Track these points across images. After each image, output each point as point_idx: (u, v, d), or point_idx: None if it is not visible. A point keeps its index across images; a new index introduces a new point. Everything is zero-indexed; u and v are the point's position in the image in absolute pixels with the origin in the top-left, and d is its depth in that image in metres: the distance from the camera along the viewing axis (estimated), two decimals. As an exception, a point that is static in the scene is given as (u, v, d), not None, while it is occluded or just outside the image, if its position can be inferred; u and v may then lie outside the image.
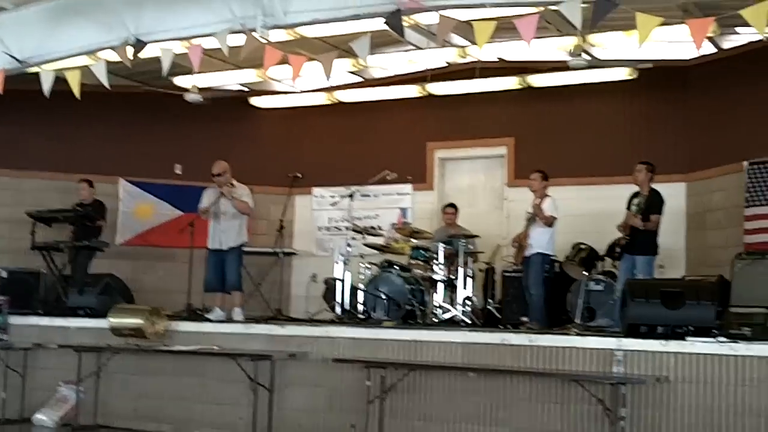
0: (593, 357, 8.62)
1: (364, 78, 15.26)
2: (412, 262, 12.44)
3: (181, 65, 11.23)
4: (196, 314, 11.97)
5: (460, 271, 12.17)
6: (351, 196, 12.56)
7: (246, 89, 15.75)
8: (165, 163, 15.34)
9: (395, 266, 12.28)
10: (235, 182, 11.92)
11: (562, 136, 14.10)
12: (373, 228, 13.73)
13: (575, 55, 12.33)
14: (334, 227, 15.57)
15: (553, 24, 11.52)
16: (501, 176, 14.79)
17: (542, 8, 9.11)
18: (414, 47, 12.95)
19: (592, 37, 11.89)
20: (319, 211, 15.78)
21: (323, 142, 15.80)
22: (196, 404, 10.62)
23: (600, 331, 10.40)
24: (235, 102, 15.77)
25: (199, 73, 12.19)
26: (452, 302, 12.14)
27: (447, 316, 11.84)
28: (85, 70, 10.83)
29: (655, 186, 11.30)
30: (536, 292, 11.77)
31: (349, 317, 11.75)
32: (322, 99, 15.18)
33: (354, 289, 12.11)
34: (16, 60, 11.35)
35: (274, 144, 15.87)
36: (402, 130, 15.27)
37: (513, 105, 14.38)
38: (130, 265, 14.76)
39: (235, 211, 11.82)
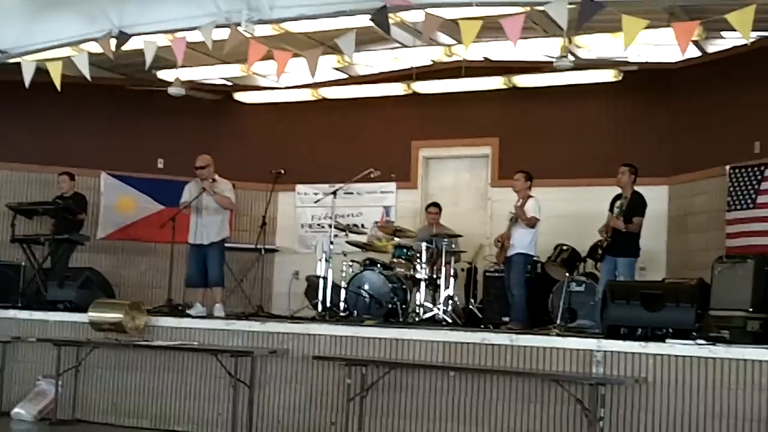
0: (573, 357, 8.63)
1: (349, 75, 15.23)
2: (395, 260, 12.43)
3: (165, 59, 11.19)
4: (176, 309, 11.91)
5: (443, 270, 12.16)
6: (334, 193, 12.54)
7: (229, 84, 15.69)
8: (147, 156, 15.28)
9: (378, 264, 12.27)
10: (217, 177, 11.88)
11: (547, 137, 14.11)
12: (356, 226, 13.76)
13: (561, 56, 12.33)
14: (317, 224, 15.54)
15: (539, 24, 11.52)
16: (485, 176, 14.80)
17: (529, 8, 9.10)
18: (400, 45, 12.93)
19: (578, 39, 11.89)
20: (302, 208, 15.75)
21: (307, 139, 15.76)
22: (176, 400, 10.59)
23: (580, 332, 10.42)
24: (220, 97, 15.71)
25: (182, 66, 12.15)
26: (434, 301, 12.15)
27: (429, 315, 11.84)
28: (67, 61, 10.77)
29: (638, 188, 11.31)
30: (518, 292, 11.78)
31: (331, 315, 11.73)
32: (307, 95, 15.14)
33: (336, 287, 12.09)
34: (-3, 50, 11.31)
35: (258, 140, 15.83)
36: (387, 128, 15.25)
37: (498, 105, 14.37)
38: (110, 259, 14.75)
39: (216, 206, 11.78)
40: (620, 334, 8.83)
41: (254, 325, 10.44)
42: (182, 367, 10.59)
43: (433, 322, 11.58)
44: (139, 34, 10.39)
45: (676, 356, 8.22)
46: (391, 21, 9.45)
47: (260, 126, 15.96)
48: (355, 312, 11.80)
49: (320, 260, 12.20)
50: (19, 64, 11.04)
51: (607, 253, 11.20)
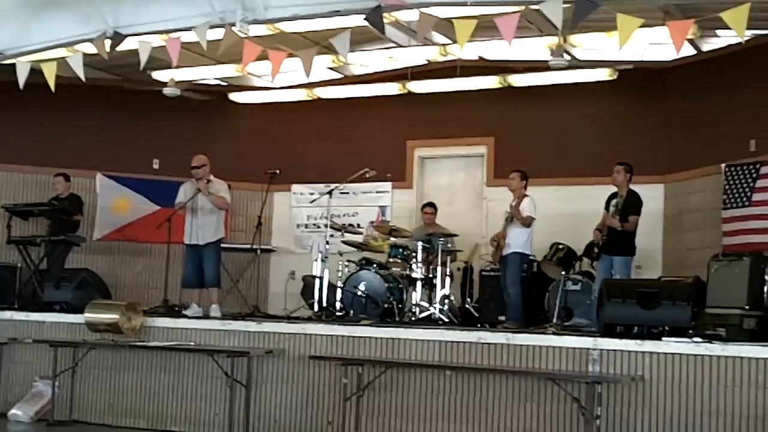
0: (570, 356, 8.64)
1: (344, 75, 15.24)
2: (391, 260, 12.43)
3: (160, 59, 11.18)
4: (173, 310, 11.91)
5: (439, 269, 12.17)
6: (330, 193, 12.53)
7: (224, 84, 15.68)
8: (143, 157, 15.27)
9: (374, 264, 12.26)
10: (212, 177, 11.87)
11: (542, 136, 14.11)
12: (351, 226, 13.77)
13: (556, 55, 12.33)
14: (312, 224, 15.54)
15: (534, 23, 11.53)
16: (480, 175, 14.80)
17: (523, 7, 9.10)
18: (395, 44, 12.94)
19: (573, 38, 11.89)
20: (298, 208, 15.75)
21: (302, 139, 15.75)
22: (173, 400, 10.59)
23: (577, 331, 10.43)
24: (214, 97, 15.69)
25: (177, 67, 12.13)
26: (430, 301, 12.15)
27: (425, 314, 11.84)
28: (62, 62, 10.76)
29: (634, 187, 11.32)
30: (514, 291, 11.78)
31: (327, 315, 11.73)
32: (302, 95, 15.14)
33: (332, 287, 12.09)
34: (-8, 51, 11.29)
35: (253, 140, 15.82)
36: (382, 127, 15.24)
37: (493, 104, 14.37)
38: (107, 260, 14.74)
39: (212, 206, 11.78)
40: (616, 332, 8.85)
41: (250, 326, 10.44)
42: (179, 367, 10.59)
43: (430, 322, 11.58)
44: (133, 35, 10.38)
45: (673, 354, 8.24)
46: (385, 20, 9.45)
47: (255, 126, 15.94)
48: (352, 312, 11.79)
49: (316, 260, 12.21)
50: (13, 65, 11.03)
51: (603, 251, 11.20)
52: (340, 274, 12.17)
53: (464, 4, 9.17)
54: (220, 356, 9.97)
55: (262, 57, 9.91)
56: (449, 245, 12.72)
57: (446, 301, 12.14)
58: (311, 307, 12.26)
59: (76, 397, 11.02)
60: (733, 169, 12.11)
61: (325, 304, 11.88)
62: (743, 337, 9.47)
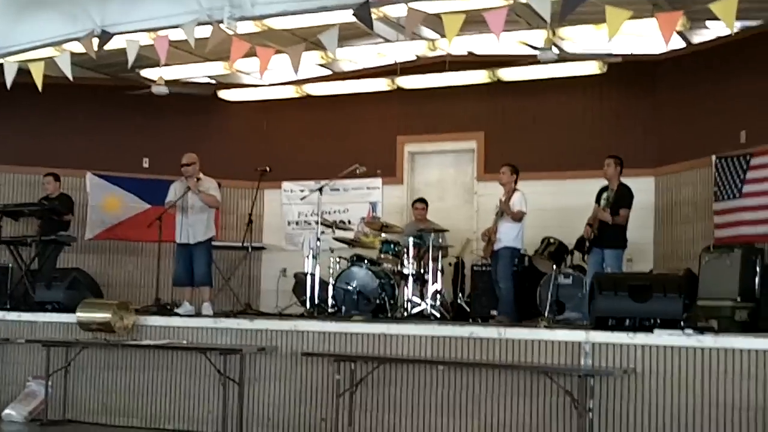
0: (562, 350, 8.64)
1: (333, 71, 15.22)
2: (382, 256, 12.43)
3: (148, 57, 11.15)
4: (165, 309, 11.90)
5: (430, 265, 12.17)
6: (320, 190, 12.53)
7: (213, 82, 15.65)
8: (132, 156, 15.25)
9: (365, 260, 12.26)
10: (202, 176, 11.85)
11: (532, 130, 14.12)
12: (342, 222, 13.77)
13: (545, 49, 12.33)
14: (303, 221, 15.53)
15: (522, 17, 11.53)
16: (471, 170, 14.80)
17: (512, 1, 9.10)
18: (383, 40, 12.92)
19: (562, 31, 11.89)
20: (289, 206, 15.74)
21: (292, 136, 15.75)
22: (166, 398, 10.57)
23: (568, 325, 10.45)
24: (203, 95, 15.66)
25: (165, 65, 12.11)
26: (422, 296, 12.16)
27: (417, 310, 11.85)
28: (50, 62, 10.73)
29: (624, 180, 11.34)
30: (505, 285, 11.79)
31: (319, 311, 11.73)
32: (291, 92, 15.10)
33: (324, 284, 12.09)
34: (-21, 52, 11.24)
35: (243, 137, 15.82)
36: (371, 123, 15.25)
37: (483, 99, 14.38)
38: (98, 259, 14.74)
39: (202, 204, 11.75)
40: (608, 325, 8.86)
41: (243, 323, 10.42)
42: (172, 365, 10.57)
43: (421, 317, 11.60)
44: (121, 33, 10.35)
45: (664, 346, 8.23)
46: (373, 16, 9.43)
47: (245, 123, 15.94)
48: (343, 308, 11.81)
49: (307, 257, 12.22)
50: (0, 65, 11.00)
51: (595, 245, 11.21)
52: (331, 270, 12.18)
53: (452, -1, 9.19)
54: (213, 354, 9.96)
55: (251, 54, 9.89)
56: (440, 241, 12.73)
57: (438, 296, 12.15)
58: (303, 304, 12.28)
59: (70, 396, 10.99)
60: (723, 161, 12.12)
61: (317, 301, 11.89)
62: (735, 329, 9.53)
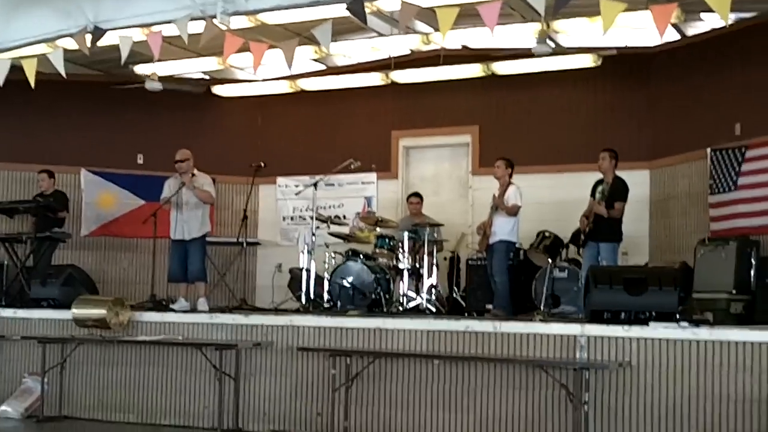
0: (557, 343, 8.65)
1: (327, 66, 15.18)
2: (377, 251, 12.40)
3: (141, 53, 11.13)
4: (160, 304, 11.91)
5: (425, 259, 12.16)
6: (315, 185, 12.50)
7: (207, 77, 15.62)
8: (126, 152, 15.21)
9: (360, 255, 12.24)
10: (196, 172, 11.84)
11: (527, 124, 14.12)
12: (337, 217, 13.72)
13: (539, 42, 12.31)
14: (298, 217, 15.51)
15: (517, 10, 11.49)
16: (465, 164, 14.79)
17: (505, -6, 9.09)
18: (377, 34, 12.89)
19: (557, 24, 11.86)
20: (284, 201, 15.72)
21: (287, 131, 15.74)
22: (162, 394, 10.58)
23: (564, 318, 10.46)
24: (196, 92, 15.62)
25: (159, 61, 12.08)
26: (417, 291, 12.14)
27: (412, 304, 11.84)
28: (43, 58, 10.70)
29: (620, 173, 11.33)
30: (500, 279, 11.78)
31: (315, 306, 11.72)
32: (285, 87, 15.06)
33: (319, 279, 12.08)
34: (-28, 49, 11.21)
35: (237, 133, 15.80)
36: (366, 118, 15.24)
37: (477, 93, 14.36)
38: (93, 255, 14.71)
39: (197, 200, 11.75)
40: (603, 318, 8.86)
41: (238, 318, 10.43)
42: (167, 361, 10.58)
43: (417, 312, 11.58)
44: (114, 29, 10.32)
45: (660, 339, 8.25)
46: (367, 10, 9.42)
47: (239, 119, 15.93)
48: (339, 303, 11.79)
49: (302, 252, 12.21)
50: (-6, 63, 10.97)
51: (590, 238, 11.20)
52: (326, 265, 12.15)
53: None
54: (209, 349, 9.97)
55: (244, 49, 9.87)
56: (435, 235, 12.72)
57: (433, 290, 12.14)
58: (298, 299, 12.26)
59: (66, 392, 10.99)
60: (718, 153, 12.12)
61: (312, 296, 11.87)
62: (730, 322, 9.54)
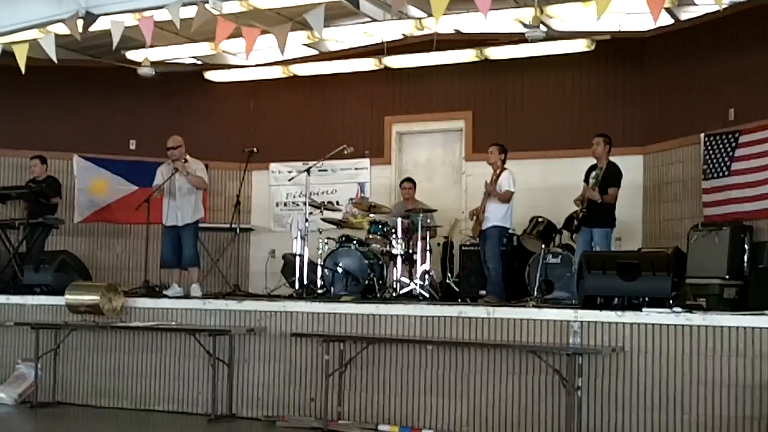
0: (550, 329, 8.67)
1: (319, 51, 15.14)
2: (370, 236, 12.38)
3: (133, 39, 11.08)
4: (153, 290, 11.90)
5: (419, 245, 12.15)
6: (308, 171, 12.48)
7: (199, 63, 15.57)
8: (119, 138, 15.15)
9: (353, 241, 12.23)
10: (189, 157, 11.83)
11: (520, 109, 14.10)
12: (330, 203, 13.74)
13: (533, 27, 12.28)
14: (291, 202, 15.49)
15: (510, -5, 11.49)
16: (459, 150, 14.76)
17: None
18: (370, 19, 12.85)
19: (550, 9, 11.85)
20: (277, 187, 15.69)
21: (280, 117, 15.70)
22: (156, 380, 10.61)
23: (557, 304, 10.46)
24: (190, 76, 15.57)
25: (151, 46, 12.04)
26: (411, 276, 12.14)
27: (405, 290, 11.82)
28: (34, 44, 10.65)
29: (613, 159, 11.31)
30: (493, 265, 11.76)
31: (308, 292, 11.72)
32: (278, 73, 15.01)
33: (312, 265, 12.07)
34: (-37, 35, 11.14)
35: (230, 119, 15.77)
36: (359, 104, 15.20)
37: (470, 78, 14.34)
38: (86, 241, 14.69)
39: (190, 186, 11.74)
40: (597, 304, 8.87)
41: (231, 304, 10.44)
42: (161, 347, 10.60)
43: (410, 297, 11.57)
44: (106, 14, 10.26)
45: (653, 325, 8.27)
46: (360, -5, 9.40)
47: (232, 105, 15.89)
48: (332, 289, 11.78)
49: (296, 238, 12.20)
50: (-15, 48, 10.92)
51: (583, 224, 11.17)
52: (320, 251, 12.14)
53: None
54: (202, 335, 9.99)
55: (236, 34, 9.82)
56: (429, 221, 12.71)
57: (427, 276, 12.12)
58: (292, 285, 12.26)
59: (59, 378, 11.02)
60: (712, 138, 12.11)
61: (305, 282, 11.86)
62: (723, 307, 9.56)
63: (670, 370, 8.15)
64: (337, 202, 14.45)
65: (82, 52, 14.02)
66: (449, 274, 13.11)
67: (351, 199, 14.45)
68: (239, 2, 10.22)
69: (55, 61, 10.52)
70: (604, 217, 11.07)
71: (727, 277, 10.58)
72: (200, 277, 12.03)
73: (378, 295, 11.67)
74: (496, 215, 11.79)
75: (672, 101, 13.02)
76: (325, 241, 12.32)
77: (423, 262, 12.17)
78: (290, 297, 11.68)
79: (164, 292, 11.70)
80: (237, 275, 13.73)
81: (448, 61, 13.84)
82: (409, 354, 9.25)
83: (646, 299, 8.63)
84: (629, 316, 8.36)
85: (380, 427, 9.25)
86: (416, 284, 11.84)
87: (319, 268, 11.96)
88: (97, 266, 14.17)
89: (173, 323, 10.53)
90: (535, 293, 11.37)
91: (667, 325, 8.21)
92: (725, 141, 11.94)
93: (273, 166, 15.67)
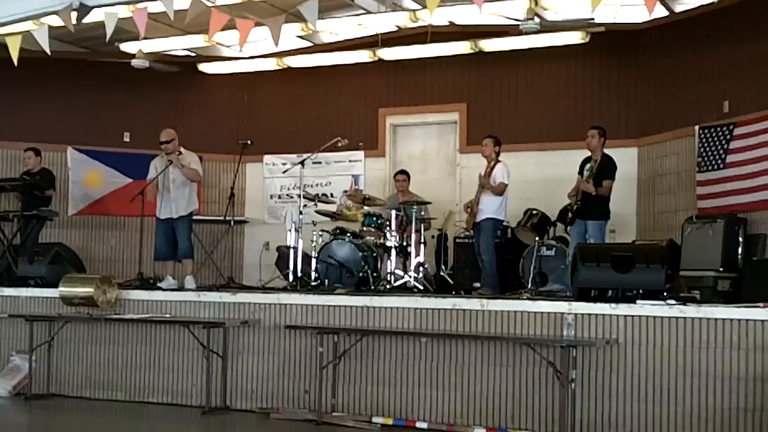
0: (545, 321, 8.67)
1: (313, 43, 15.12)
2: (365, 229, 12.37)
3: (127, 30, 11.05)
4: (147, 283, 11.90)
5: (413, 237, 12.14)
6: (302, 163, 12.46)
7: (193, 55, 15.54)
8: (113, 130, 15.15)
9: (347, 233, 12.22)
10: (182, 150, 11.81)
11: (515, 101, 14.10)
12: (325, 195, 13.72)
13: (527, 19, 12.27)
14: (285, 195, 15.49)
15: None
16: (453, 142, 14.76)
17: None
18: (364, 11, 12.84)
19: (545, 1, 11.83)
20: (271, 179, 15.68)
21: (274, 109, 15.68)
22: (150, 372, 10.60)
23: (551, 296, 10.46)
24: (184, 68, 15.54)
25: (145, 38, 12.01)
26: (405, 269, 12.12)
27: (399, 282, 11.81)
28: (27, 35, 10.62)
29: (608, 151, 11.31)
30: (487, 257, 11.76)
31: (302, 285, 11.71)
32: (272, 65, 14.99)
33: (306, 257, 12.07)
34: (-44, 27, 11.11)
35: (224, 111, 15.76)
36: (353, 96, 15.19)
37: (465, 70, 14.34)
38: (80, 234, 14.69)
39: (184, 179, 11.74)
40: (591, 296, 8.87)
41: (225, 296, 10.42)
42: (155, 339, 10.59)
43: (405, 290, 11.56)
44: (99, 6, 10.22)
45: (647, 317, 8.27)
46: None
47: (226, 97, 15.87)
48: (326, 281, 11.77)
49: (290, 230, 12.17)
50: (-22, 40, 10.89)
51: (577, 216, 11.18)
52: (314, 244, 12.13)
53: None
54: (196, 327, 9.98)
55: (230, 26, 9.80)
56: (423, 213, 12.69)
57: (421, 268, 12.12)
58: (286, 277, 12.24)
59: (54, 370, 11.01)
60: (707, 131, 12.11)
61: (299, 274, 11.85)
62: (717, 299, 9.56)
63: (664, 363, 8.16)
64: (332, 195, 14.45)
65: (75, 44, 14.00)
66: (443, 267, 13.10)
67: (345, 191, 14.47)
68: (233, -7, 10.19)
69: (49, 53, 10.47)
70: (598, 209, 11.07)
71: (721, 269, 10.59)
72: (194, 269, 12.02)
73: (372, 288, 11.66)
74: (490, 207, 11.80)
75: (666, 93, 13.02)
76: (320, 233, 12.31)
77: (417, 254, 12.15)
78: (284, 289, 11.66)
79: (158, 285, 11.70)
80: (231, 267, 13.71)
81: (443, 53, 13.81)
82: (403, 346, 9.25)
83: (641, 291, 8.64)
84: (623, 309, 8.36)
85: (374, 419, 9.24)
86: (410, 276, 11.83)
87: (314, 261, 11.95)
88: (92, 258, 14.17)
89: (167, 315, 10.53)
90: (530, 285, 11.39)
91: (661, 317, 8.21)
92: (720, 133, 11.94)
93: (267, 158, 15.66)
